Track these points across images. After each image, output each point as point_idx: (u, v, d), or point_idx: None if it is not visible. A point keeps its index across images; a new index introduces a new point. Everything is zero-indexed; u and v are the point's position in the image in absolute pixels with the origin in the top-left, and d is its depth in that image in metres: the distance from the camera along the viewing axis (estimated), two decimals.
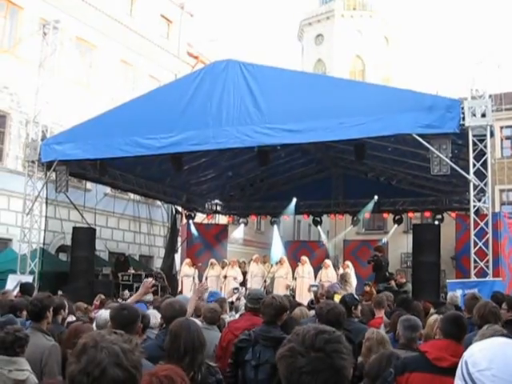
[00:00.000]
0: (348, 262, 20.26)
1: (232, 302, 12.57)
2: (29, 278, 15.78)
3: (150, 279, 7.22)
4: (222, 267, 20.74)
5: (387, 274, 19.48)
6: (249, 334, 5.57)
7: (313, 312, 8.44)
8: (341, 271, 19.33)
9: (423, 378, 4.26)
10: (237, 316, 9.25)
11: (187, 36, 30.59)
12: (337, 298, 11.10)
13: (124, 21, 25.55)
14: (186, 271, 20.34)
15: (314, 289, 16.58)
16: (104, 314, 5.92)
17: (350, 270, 19.53)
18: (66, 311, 8.11)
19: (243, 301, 10.72)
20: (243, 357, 5.40)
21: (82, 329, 5.76)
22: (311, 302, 12.17)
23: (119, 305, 5.13)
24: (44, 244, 18.52)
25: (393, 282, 18.61)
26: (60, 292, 14.92)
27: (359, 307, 8.10)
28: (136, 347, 2.07)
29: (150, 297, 10.89)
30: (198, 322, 6.24)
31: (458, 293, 12.10)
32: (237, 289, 14.72)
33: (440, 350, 4.38)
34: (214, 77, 15.03)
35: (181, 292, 18.92)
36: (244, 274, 20.92)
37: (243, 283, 19.78)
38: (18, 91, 20.50)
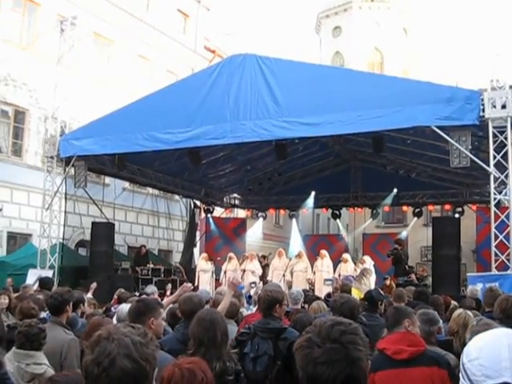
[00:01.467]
0: (366, 257, 20.05)
1: (250, 296, 12.57)
2: (49, 273, 15.86)
3: (189, 284, 7.21)
4: (241, 261, 20.71)
5: (407, 267, 19.36)
6: (248, 328, 5.54)
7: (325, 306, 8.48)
8: (359, 267, 19.19)
9: (387, 376, 4.19)
10: (254, 310, 9.25)
11: (204, 30, 30.56)
12: (354, 292, 11.09)
13: (141, 16, 25.58)
14: (202, 266, 20.32)
15: (329, 283, 16.54)
16: (125, 308, 5.91)
17: (369, 265, 19.36)
18: (86, 305, 8.18)
19: None
20: (243, 350, 5.36)
21: (102, 323, 5.75)
22: (328, 295, 12.14)
23: (137, 298, 5.12)
24: (63, 239, 18.61)
25: (413, 276, 18.51)
26: (94, 284, 14.97)
27: (384, 303, 8.11)
28: (150, 341, 2.11)
29: (152, 289, 10.87)
30: None
31: (479, 286, 12.00)
32: (254, 283, 14.74)
33: (396, 343, 4.34)
34: (231, 71, 14.99)
35: (197, 287, 18.94)
36: (264, 267, 20.89)
37: (262, 277, 19.74)
38: (37, 87, 20.60)
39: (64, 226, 18.50)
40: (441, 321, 5.75)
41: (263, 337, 5.33)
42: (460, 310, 6.58)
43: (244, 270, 19.72)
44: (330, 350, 2.00)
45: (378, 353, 4.40)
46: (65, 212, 18.41)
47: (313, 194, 23.95)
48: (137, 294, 11.39)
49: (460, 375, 1.90)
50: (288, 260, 20.98)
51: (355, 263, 19.79)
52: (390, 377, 4.13)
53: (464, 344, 5.99)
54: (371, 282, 18.19)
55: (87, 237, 19.55)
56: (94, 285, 12.77)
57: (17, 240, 20.57)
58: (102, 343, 2.03)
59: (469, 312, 6.64)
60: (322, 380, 2.00)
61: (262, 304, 5.66)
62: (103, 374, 1.98)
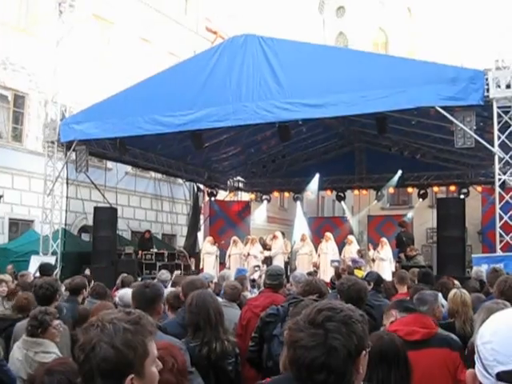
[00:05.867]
0: (384, 239, 19.82)
1: (253, 280, 12.50)
2: (51, 259, 15.83)
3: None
4: (245, 244, 20.67)
5: (408, 249, 19.31)
6: (277, 309, 5.45)
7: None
8: (378, 249, 19.09)
9: None
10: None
11: (206, 11, 30.28)
12: (357, 273, 11.02)
13: None
14: (207, 249, 20.26)
15: (336, 264, 16.50)
16: (128, 292, 5.79)
17: (385, 247, 19.23)
18: (87, 291, 8.13)
19: None
20: (270, 331, 5.28)
21: (107, 307, 5.65)
22: (334, 278, 12.05)
23: (142, 282, 5.04)
24: (66, 225, 18.47)
25: (402, 256, 18.51)
26: (87, 271, 14.90)
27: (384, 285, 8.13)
28: (141, 328, 2.05)
29: (166, 275, 10.80)
30: (218, 299, 6.17)
31: (484, 267, 11.92)
32: (258, 266, 14.65)
33: (408, 324, 4.37)
34: (232, 52, 14.85)
35: (202, 270, 18.88)
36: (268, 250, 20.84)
37: (266, 260, 19.66)
38: (36, 71, 20.38)
39: (66, 211, 18.37)
40: (441, 302, 5.64)
41: None
42: (454, 290, 6.55)
43: (248, 254, 19.66)
44: (309, 336, 1.99)
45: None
46: (66, 197, 18.30)
47: (317, 176, 23.79)
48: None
49: (475, 356, 1.78)
50: (286, 242, 20.98)
51: (375, 248, 19.63)
52: None
53: (465, 323, 5.96)
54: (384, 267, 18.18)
55: (90, 222, 19.44)
56: (86, 271, 12.77)
57: (19, 226, 20.47)
58: (90, 330, 2.02)
59: (463, 290, 6.65)
60: (299, 364, 2.00)
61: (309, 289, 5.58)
62: (85, 360, 1.98)
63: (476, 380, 1.74)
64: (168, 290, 7.60)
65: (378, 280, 8.00)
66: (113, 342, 1.96)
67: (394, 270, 17.87)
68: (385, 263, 18.63)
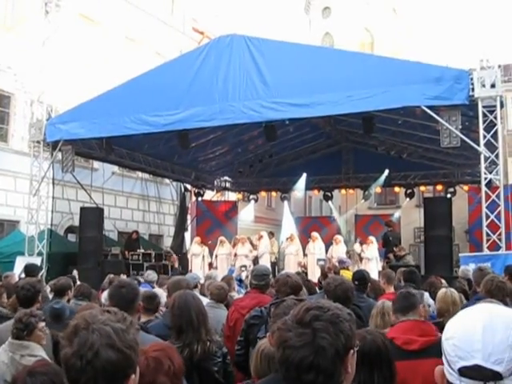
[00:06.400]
0: (371, 237, 19.94)
1: (241, 280, 12.50)
2: (37, 260, 15.73)
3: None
4: (233, 245, 20.66)
5: (395, 249, 19.38)
6: (260, 311, 5.44)
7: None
8: (364, 247, 19.15)
9: (397, 367, 4.02)
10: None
11: (192, 11, 30.20)
12: (345, 274, 11.01)
13: None
14: (194, 250, 20.23)
15: (322, 263, 16.54)
16: None
17: (372, 246, 19.33)
18: (72, 292, 8.07)
19: None
20: (255, 334, 5.25)
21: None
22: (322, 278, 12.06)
23: (117, 282, 5.00)
24: (52, 225, 18.39)
25: (391, 256, 18.57)
26: (75, 272, 14.81)
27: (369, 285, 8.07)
28: (130, 325, 2.03)
29: (152, 276, 10.76)
30: (205, 300, 6.15)
31: (471, 267, 11.97)
32: (245, 266, 14.67)
33: (406, 332, 4.15)
34: (219, 52, 14.87)
35: (190, 271, 18.83)
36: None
37: (254, 260, 19.65)
38: (22, 71, 20.17)
39: (52, 211, 18.28)
40: (427, 302, 5.65)
41: None
42: (444, 289, 6.55)
43: (235, 254, 19.66)
44: (298, 335, 1.97)
45: (389, 342, 4.24)
46: (53, 197, 18.20)
47: (304, 175, 23.81)
48: (141, 279, 11.19)
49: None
50: (273, 242, 21.02)
51: (361, 244, 19.71)
52: (400, 368, 3.94)
53: None
54: (371, 266, 18.26)
55: (76, 222, 19.31)
56: (74, 272, 12.71)
57: (4, 227, 20.30)
58: (82, 334, 1.94)
59: (451, 289, 6.68)
60: (288, 364, 1.98)
61: (286, 289, 5.59)
62: (88, 366, 1.89)
63: (444, 377, 1.78)
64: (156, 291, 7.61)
65: (361, 279, 7.86)
66: (116, 344, 1.93)
67: (380, 269, 17.98)
68: (371, 262, 18.69)
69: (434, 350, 3.94)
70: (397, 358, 3.94)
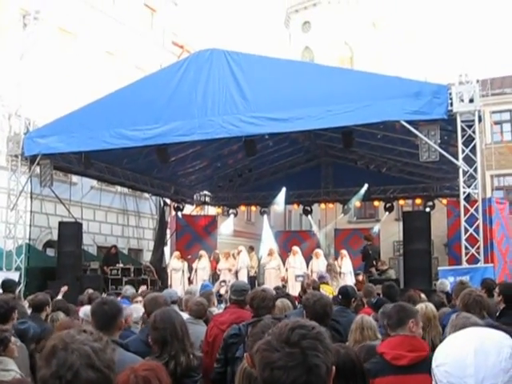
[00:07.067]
0: (344, 251, 20.01)
1: (220, 295, 12.43)
2: (15, 275, 15.58)
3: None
4: (215, 259, 20.60)
5: (374, 262, 19.42)
6: (239, 329, 5.38)
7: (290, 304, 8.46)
8: (331, 261, 19.14)
9: (386, 382, 3.98)
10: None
11: (172, 25, 30.20)
12: (325, 289, 10.99)
13: (107, 10, 25.08)
14: (174, 265, 20.11)
15: (300, 279, 16.48)
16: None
17: (345, 260, 19.36)
18: (50, 308, 7.98)
19: None
20: (233, 353, 5.21)
21: (71, 326, 5.56)
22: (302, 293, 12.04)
23: (100, 299, 4.99)
24: (30, 239, 18.23)
25: (373, 270, 18.60)
26: (65, 287, 14.61)
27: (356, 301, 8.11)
28: (107, 345, 2.03)
29: (131, 291, 10.66)
30: (185, 315, 6.10)
31: (450, 280, 12.04)
32: (224, 281, 14.60)
33: (396, 347, 4.13)
34: (198, 66, 14.89)
35: (170, 286, 18.72)
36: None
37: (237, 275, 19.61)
38: (0, 84, 20.08)
39: (30, 226, 18.16)
40: None
41: None
42: (420, 305, 6.54)
43: (218, 269, 19.66)
44: (287, 355, 1.89)
45: (379, 357, 4.22)
46: (31, 212, 18.09)
47: (284, 190, 23.80)
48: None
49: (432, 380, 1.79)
50: (253, 256, 20.98)
51: (336, 259, 19.70)
52: (388, 383, 3.94)
53: (435, 337, 5.97)
54: (346, 275, 18.29)
55: (54, 237, 19.16)
56: (64, 288, 12.53)
57: None
58: (60, 354, 1.92)
59: (429, 304, 6.68)
60: None
61: (262, 304, 5.57)
62: None
63: None
64: (134, 307, 7.53)
65: (344, 294, 7.90)
66: (95, 364, 1.92)
67: (354, 282, 18.08)
68: (346, 276, 18.70)
69: (424, 366, 3.88)
70: (386, 373, 3.94)
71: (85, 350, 1.93)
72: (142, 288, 16.08)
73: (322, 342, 1.96)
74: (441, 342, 5.38)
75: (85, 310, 6.58)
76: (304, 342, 1.92)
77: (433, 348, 5.70)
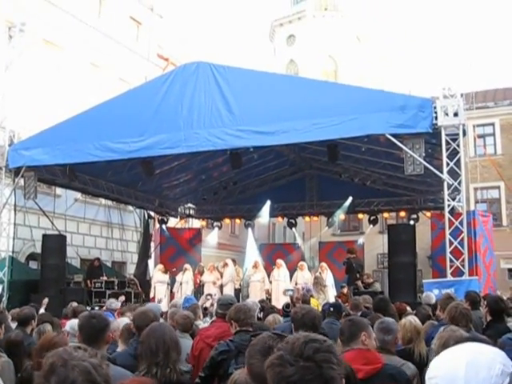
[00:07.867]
0: (324, 264, 20.10)
1: (206, 308, 12.38)
2: None
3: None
4: (200, 272, 20.54)
5: (358, 275, 19.44)
6: (227, 345, 5.33)
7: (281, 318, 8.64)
8: (318, 274, 19.16)
9: None
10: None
11: (157, 38, 30.26)
12: (311, 301, 11.03)
13: (92, 23, 25.10)
14: (158, 277, 20.04)
15: (290, 293, 16.46)
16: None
17: (327, 272, 19.41)
18: (35, 322, 7.90)
19: None
20: (225, 369, 5.12)
21: (56, 340, 5.49)
22: (286, 305, 12.03)
23: (88, 313, 4.96)
24: (13, 252, 18.07)
25: (359, 283, 18.64)
26: (46, 299, 14.50)
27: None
28: (102, 360, 2.04)
29: (115, 304, 10.61)
30: None
31: (435, 292, 12.07)
32: (210, 295, 14.56)
33: (350, 361, 4.06)
34: (184, 79, 14.88)
35: (153, 299, 18.65)
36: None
37: (221, 288, 19.56)
38: None
39: (14, 238, 17.98)
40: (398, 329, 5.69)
41: None
42: (404, 320, 6.57)
43: (201, 282, 19.57)
44: (303, 369, 1.90)
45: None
46: (14, 224, 17.93)
47: (268, 202, 23.81)
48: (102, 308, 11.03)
49: None
50: (237, 269, 20.97)
51: (316, 271, 19.74)
52: None
53: (423, 349, 5.99)
54: (329, 289, 18.34)
55: (38, 249, 19.00)
56: (45, 300, 12.46)
57: None
58: (60, 371, 1.92)
59: (413, 317, 6.73)
60: None
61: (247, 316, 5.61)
62: None
63: None
64: (121, 320, 7.48)
65: (335, 306, 8.20)
66: (96, 380, 1.93)
67: (335, 294, 18.08)
68: (328, 289, 18.73)
69: (380, 378, 4.03)
70: None
71: (84, 366, 1.94)
72: (121, 299, 16.09)
73: (334, 354, 1.98)
74: (427, 353, 5.40)
75: (72, 324, 6.53)
76: (318, 356, 1.93)
77: (420, 359, 5.76)
